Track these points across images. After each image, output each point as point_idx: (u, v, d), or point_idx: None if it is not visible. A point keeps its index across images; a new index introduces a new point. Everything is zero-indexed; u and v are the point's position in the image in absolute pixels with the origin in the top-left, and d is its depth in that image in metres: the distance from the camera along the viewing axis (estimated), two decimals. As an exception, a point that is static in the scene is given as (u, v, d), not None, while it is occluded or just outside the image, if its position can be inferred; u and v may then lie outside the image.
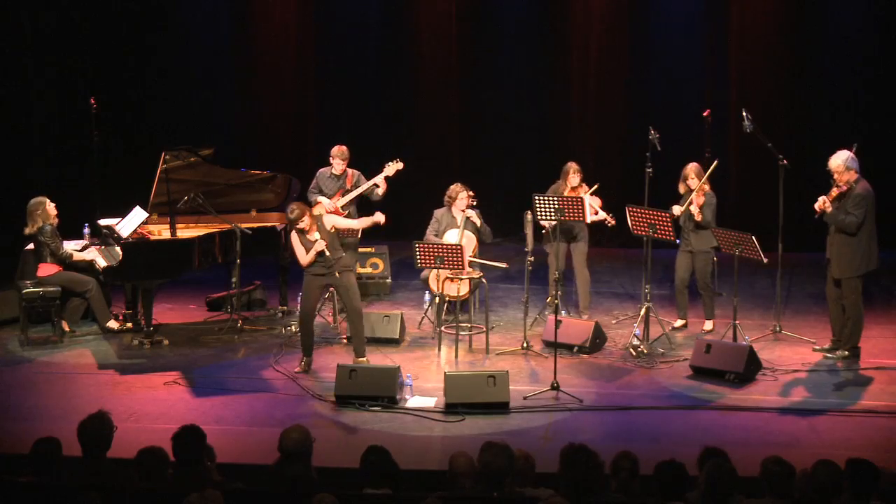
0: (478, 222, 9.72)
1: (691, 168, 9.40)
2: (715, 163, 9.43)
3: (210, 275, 10.47)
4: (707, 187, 9.36)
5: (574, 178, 9.75)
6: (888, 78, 12.57)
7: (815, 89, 12.82)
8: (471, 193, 9.72)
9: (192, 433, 5.32)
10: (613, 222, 9.65)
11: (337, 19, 13.53)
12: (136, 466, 5.23)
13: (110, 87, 12.41)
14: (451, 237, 9.64)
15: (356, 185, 10.17)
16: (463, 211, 9.66)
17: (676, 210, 9.31)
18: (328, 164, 10.22)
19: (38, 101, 12.72)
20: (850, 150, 8.53)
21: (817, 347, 8.92)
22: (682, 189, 9.45)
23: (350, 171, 10.21)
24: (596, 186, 9.82)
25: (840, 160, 8.43)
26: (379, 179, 10.11)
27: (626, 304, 10.60)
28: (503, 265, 9.72)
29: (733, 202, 12.65)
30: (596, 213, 9.63)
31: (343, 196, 10.15)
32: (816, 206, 8.47)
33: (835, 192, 8.44)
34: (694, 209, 9.21)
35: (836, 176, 8.45)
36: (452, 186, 9.79)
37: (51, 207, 9.41)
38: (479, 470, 5.03)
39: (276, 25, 13.50)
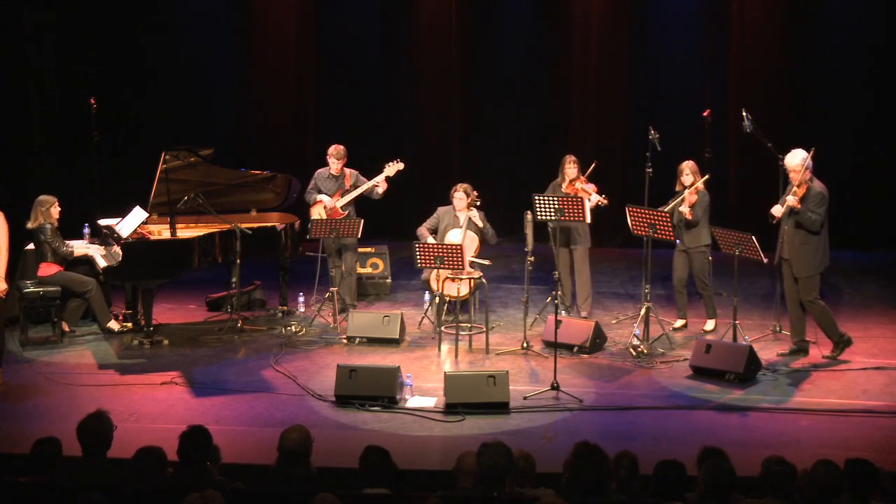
0: (479, 223, 9.72)
1: (687, 165, 9.42)
2: (706, 176, 9.39)
3: (210, 275, 10.47)
4: (701, 186, 9.36)
5: (570, 169, 9.75)
6: (888, 77, 12.57)
7: (815, 89, 12.82)
8: (475, 194, 9.73)
9: (200, 433, 5.32)
10: (606, 202, 9.64)
11: (337, 19, 13.53)
12: (133, 466, 5.23)
13: (110, 87, 12.41)
14: (452, 237, 9.65)
15: (355, 185, 10.17)
16: (467, 208, 9.67)
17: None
18: (327, 164, 10.23)
19: (39, 100, 12.71)
20: (808, 151, 8.48)
21: (781, 353, 8.87)
22: (678, 186, 9.46)
23: (348, 170, 10.21)
24: (594, 166, 9.79)
25: (799, 159, 8.44)
26: (379, 179, 10.12)
27: (626, 304, 10.61)
28: (486, 262, 9.72)
29: (733, 202, 12.67)
30: (589, 197, 9.58)
31: (342, 196, 10.15)
32: (788, 203, 8.40)
33: (799, 192, 8.41)
34: (685, 209, 9.21)
35: (792, 174, 8.46)
36: (456, 185, 9.80)
37: (55, 210, 9.42)
38: (480, 471, 5.03)
39: (276, 25, 13.50)
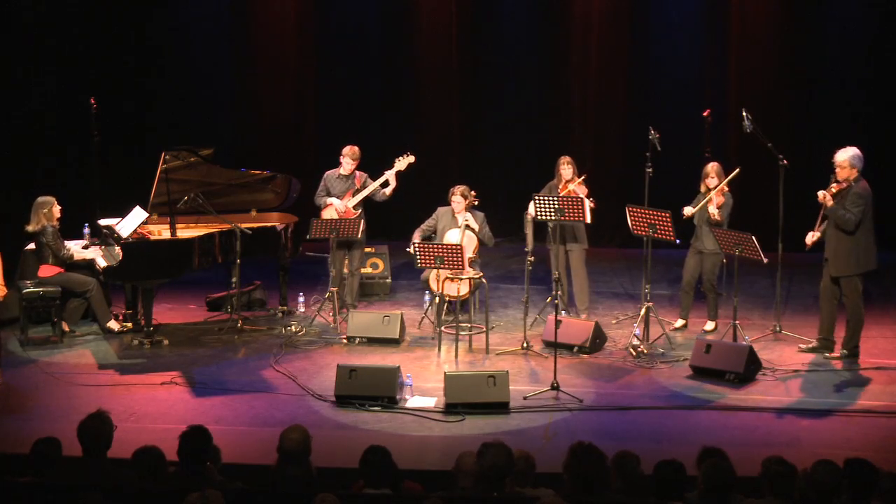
0: (475, 227, 9.70)
1: (712, 167, 9.39)
2: (737, 170, 9.39)
3: (210, 275, 10.46)
4: (726, 188, 9.36)
5: (566, 170, 9.75)
6: (888, 76, 12.57)
7: (815, 89, 12.82)
8: (473, 194, 9.72)
9: (200, 433, 5.32)
10: (594, 206, 9.65)
11: (337, 19, 13.53)
12: (132, 466, 5.23)
13: (110, 87, 12.40)
14: (451, 237, 9.65)
15: (364, 186, 10.13)
16: (465, 210, 9.66)
17: (688, 210, 9.29)
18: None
19: (39, 100, 12.71)
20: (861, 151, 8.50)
21: (804, 347, 8.91)
22: (702, 188, 9.44)
23: (358, 172, 10.19)
24: (584, 177, 9.80)
25: (847, 155, 8.44)
26: (390, 174, 10.09)
27: (626, 304, 10.61)
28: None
29: (734, 202, 12.63)
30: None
31: (353, 196, 10.12)
32: (819, 199, 8.41)
33: (835, 188, 8.43)
34: (713, 210, 9.20)
35: (838, 170, 8.44)
36: (453, 188, 9.79)
37: (56, 210, 9.42)
38: (480, 471, 5.03)
39: (276, 24, 13.49)
